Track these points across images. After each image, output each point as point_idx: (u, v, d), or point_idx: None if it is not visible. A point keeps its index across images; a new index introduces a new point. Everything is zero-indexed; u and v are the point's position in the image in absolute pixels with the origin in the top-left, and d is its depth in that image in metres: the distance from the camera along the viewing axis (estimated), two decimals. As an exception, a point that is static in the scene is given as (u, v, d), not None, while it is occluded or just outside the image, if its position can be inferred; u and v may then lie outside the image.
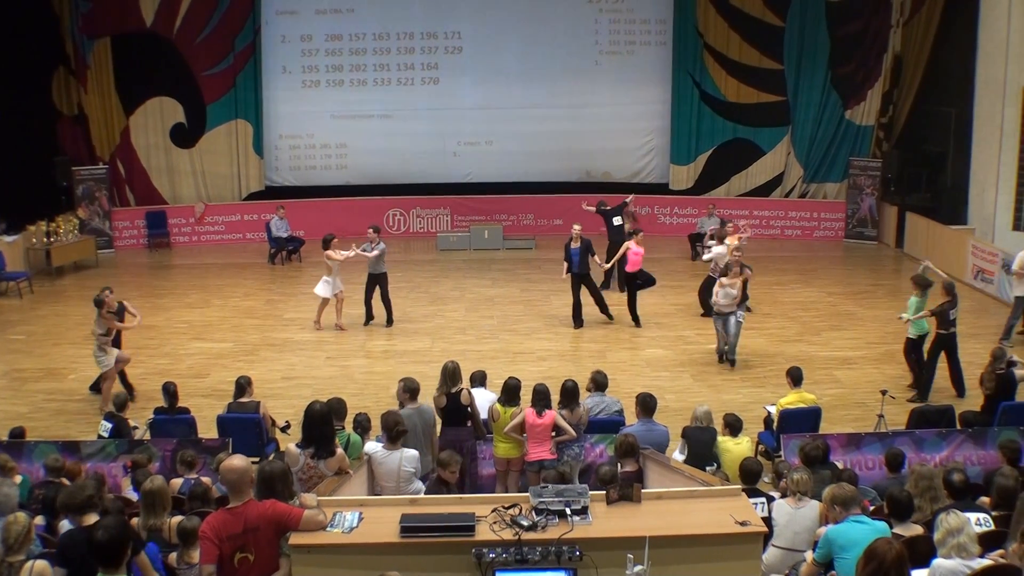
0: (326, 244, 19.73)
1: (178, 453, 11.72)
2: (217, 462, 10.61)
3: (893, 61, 27.20)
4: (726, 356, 17.75)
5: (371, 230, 20.18)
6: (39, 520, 9.13)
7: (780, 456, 12.71)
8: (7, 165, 23.66)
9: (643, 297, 20.20)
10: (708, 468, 11.54)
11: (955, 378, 16.19)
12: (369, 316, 20.28)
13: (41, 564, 7.59)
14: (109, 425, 13.28)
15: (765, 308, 20.91)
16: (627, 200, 22.55)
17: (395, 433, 10.25)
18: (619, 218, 21.68)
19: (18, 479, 10.57)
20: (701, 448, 12.22)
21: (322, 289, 19.74)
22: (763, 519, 8.58)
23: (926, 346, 16.25)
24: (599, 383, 13.33)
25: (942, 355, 16.13)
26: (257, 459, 10.78)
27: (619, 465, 10.35)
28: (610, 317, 20.17)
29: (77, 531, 7.96)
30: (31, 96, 25.53)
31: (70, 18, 26.39)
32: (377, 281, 20.09)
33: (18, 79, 24.70)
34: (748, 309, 18.81)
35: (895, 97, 27.54)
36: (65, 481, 10.61)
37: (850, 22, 27.30)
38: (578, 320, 20.05)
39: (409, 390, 11.91)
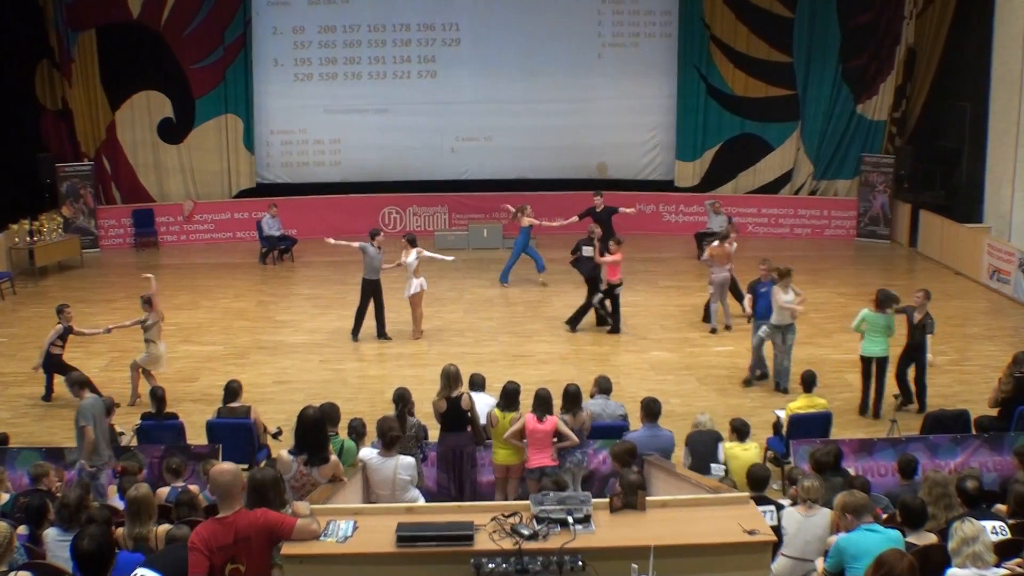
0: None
1: (165, 460, 11.68)
2: (205, 469, 10.79)
3: (906, 54, 26.98)
4: (756, 377, 17.04)
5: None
6: (22, 529, 9.03)
7: (790, 462, 12.72)
8: (-11, 162, 23.50)
9: (647, 298, 19.80)
10: (714, 465, 11.72)
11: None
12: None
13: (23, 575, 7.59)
14: (95, 432, 13.21)
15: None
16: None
17: (390, 439, 10.18)
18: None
19: (4, 498, 10.48)
20: (703, 449, 12.09)
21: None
22: (772, 528, 8.46)
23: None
24: (603, 387, 13.19)
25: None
26: (248, 466, 11.09)
27: (619, 473, 10.06)
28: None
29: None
30: (13, 90, 25.24)
31: (54, 9, 26.13)
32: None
33: (0, 73, 24.43)
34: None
35: (908, 91, 27.32)
36: (56, 486, 10.62)
37: (862, 13, 27.11)
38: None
39: (77, 383, 12.71)
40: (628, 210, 22.59)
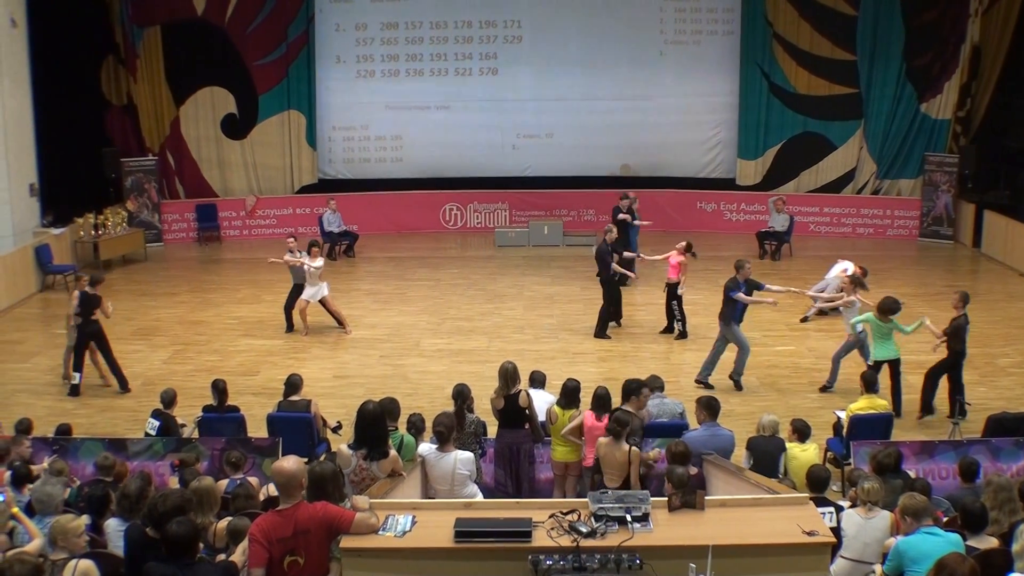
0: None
1: (225, 453, 11.62)
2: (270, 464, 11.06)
3: (971, 52, 26.50)
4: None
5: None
6: (85, 519, 8.94)
7: (850, 463, 12.46)
8: (55, 156, 23.65)
9: (708, 297, 19.62)
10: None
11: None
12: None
13: (85, 563, 7.64)
14: (156, 423, 13.11)
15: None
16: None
17: (438, 434, 10.10)
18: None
19: (66, 493, 10.39)
20: (766, 459, 11.92)
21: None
22: (831, 529, 8.48)
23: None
24: (653, 386, 12.88)
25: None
26: (307, 460, 10.83)
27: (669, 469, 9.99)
28: None
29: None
30: (80, 85, 25.51)
31: (120, 6, 26.44)
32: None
33: (67, 68, 24.68)
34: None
35: (973, 89, 26.82)
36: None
37: (926, 11, 26.66)
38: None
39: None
40: None
